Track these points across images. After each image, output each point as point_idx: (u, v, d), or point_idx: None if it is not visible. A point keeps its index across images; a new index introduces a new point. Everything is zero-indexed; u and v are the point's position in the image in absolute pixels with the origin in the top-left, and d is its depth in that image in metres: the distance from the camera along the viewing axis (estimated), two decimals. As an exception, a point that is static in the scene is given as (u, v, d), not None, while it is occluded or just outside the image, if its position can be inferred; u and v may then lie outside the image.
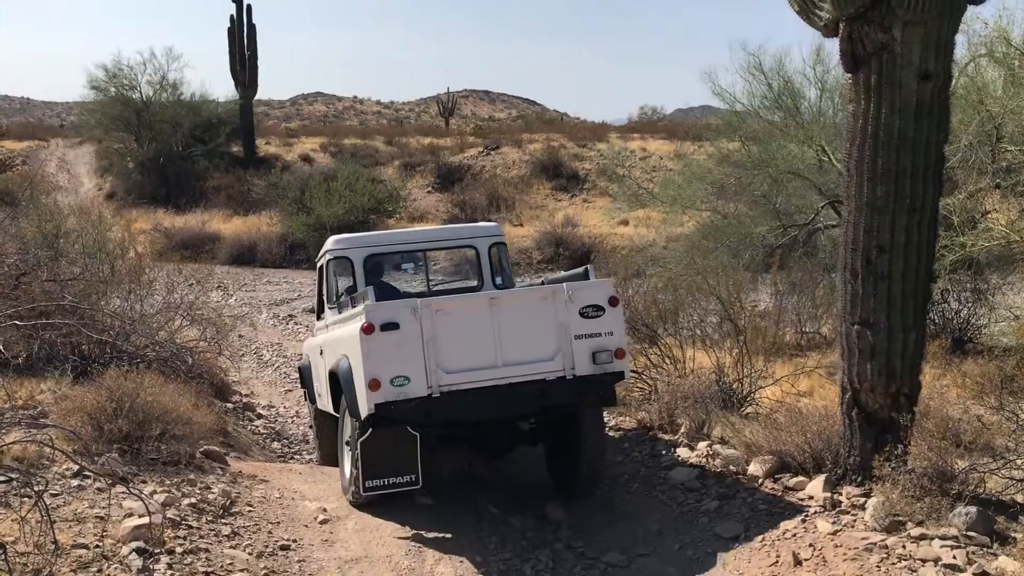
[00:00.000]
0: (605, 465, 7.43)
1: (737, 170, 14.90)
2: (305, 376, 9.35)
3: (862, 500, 5.88)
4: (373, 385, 6.36)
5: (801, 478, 6.41)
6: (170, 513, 5.89)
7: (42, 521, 4.95)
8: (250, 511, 6.58)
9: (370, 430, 6.55)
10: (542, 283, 8.00)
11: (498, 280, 8.42)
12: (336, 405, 7.50)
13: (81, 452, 6.28)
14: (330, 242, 8.44)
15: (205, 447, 7.56)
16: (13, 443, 5.93)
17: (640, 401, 9.20)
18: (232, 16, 35.00)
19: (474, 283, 8.54)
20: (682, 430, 8.10)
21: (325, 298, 8.63)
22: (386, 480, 6.62)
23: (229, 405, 10.47)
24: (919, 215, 5.86)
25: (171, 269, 11.44)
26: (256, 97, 37.64)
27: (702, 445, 7.67)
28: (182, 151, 34.11)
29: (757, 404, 8.70)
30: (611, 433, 8.85)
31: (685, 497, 6.93)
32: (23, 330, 8.20)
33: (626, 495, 7.39)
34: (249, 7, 35.12)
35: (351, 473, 6.95)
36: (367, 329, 6.37)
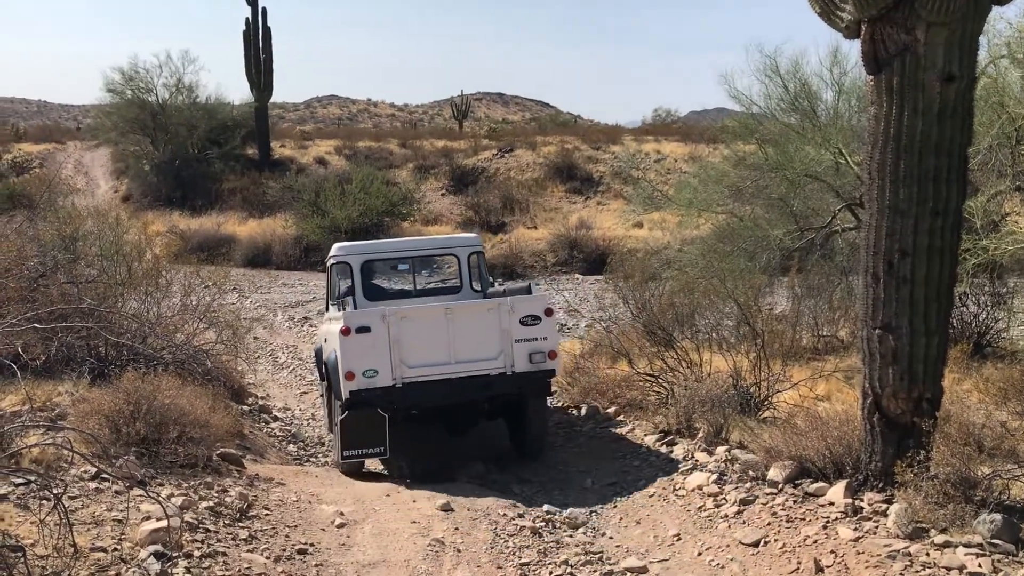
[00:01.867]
0: (547, 436, 9.00)
1: (753, 172, 14.73)
2: (319, 357, 10.59)
3: (884, 506, 5.80)
4: (348, 376, 7.90)
5: (821, 484, 6.33)
6: (187, 516, 5.90)
7: (61, 524, 4.96)
8: (267, 514, 6.58)
9: (347, 411, 7.97)
10: (504, 291, 9.27)
11: (476, 284, 9.91)
12: (330, 388, 8.88)
13: (99, 455, 6.30)
14: (334, 249, 9.90)
15: (222, 450, 7.58)
16: (32, 446, 5.94)
17: (657, 405, 9.15)
18: (247, 19, 35.20)
19: (458, 284, 10.02)
20: (700, 434, 8.04)
21: (329, 295, 10.12)
22: (360, 451, 8.03)
23: (245, 407, 10.48)
24: (942, 218, 5.77)
25: (188, 271, 11.46)
26: (271, 100, 37.83)
27: (720, 450, 7.61)
28: (198, 154, 34.24)
29: (775, 408, 8.61)
30: (629, 438, 8.82)
31: (704, 502, 6.87)
32: (41, 332, 8.23)
33: (645, 500, 7.35)
34: (264, 11, 35.34)
35: (335, 444, 8.33)
36: (345, 331, 7.90)
